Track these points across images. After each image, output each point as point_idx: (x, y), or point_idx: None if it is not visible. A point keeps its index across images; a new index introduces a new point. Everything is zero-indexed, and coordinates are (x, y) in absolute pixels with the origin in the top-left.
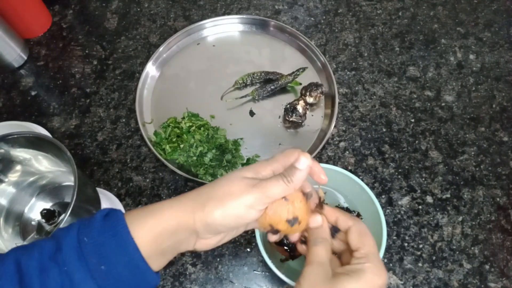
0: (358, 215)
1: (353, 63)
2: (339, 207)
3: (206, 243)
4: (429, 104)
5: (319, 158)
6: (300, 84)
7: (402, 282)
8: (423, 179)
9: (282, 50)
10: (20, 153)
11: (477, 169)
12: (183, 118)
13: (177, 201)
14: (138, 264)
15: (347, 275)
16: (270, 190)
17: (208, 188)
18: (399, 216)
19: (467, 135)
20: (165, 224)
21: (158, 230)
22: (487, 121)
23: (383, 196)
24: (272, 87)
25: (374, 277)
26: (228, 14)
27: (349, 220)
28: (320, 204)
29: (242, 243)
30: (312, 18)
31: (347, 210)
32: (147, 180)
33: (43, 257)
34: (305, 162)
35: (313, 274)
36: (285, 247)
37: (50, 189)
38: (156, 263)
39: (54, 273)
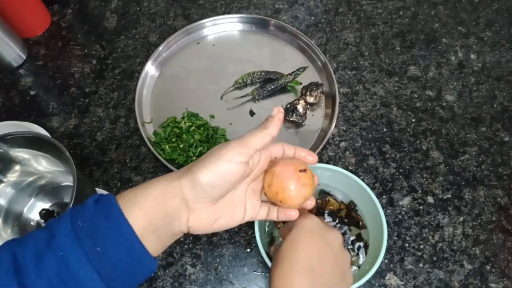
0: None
1: (354, 63)
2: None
3: (200, 220)
4: (430, 104)
5: (319, 158)
6: (301, 83)
7: (403, 283)
8: (424, 179)
9: (282, 49)
10: (19, 153)
11: (478, 169)
12: (183, 118)
13: (164, 175)
14: (134, 245)
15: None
16: (248, 139)
17: (193, 162)
18: (400, 216)
19: (468, 135)
20: (154, 197)
21: (148, 205)
22: (488, 121)
23: (384, 197)
24: (272, 87)
25: (301, 220)
26: (228, 13)
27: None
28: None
29: (242, 244)
30: (312, 17)
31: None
32: (147, 180)
33: (38, 246)
34: (275, 109)
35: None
36: None
37: (49, 189)
38: (151, 245)
39: (50, 259)
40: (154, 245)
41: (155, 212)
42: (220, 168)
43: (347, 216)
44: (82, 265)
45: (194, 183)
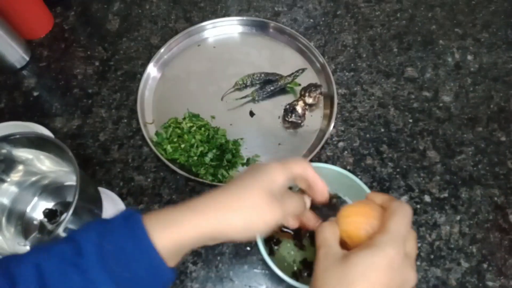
0: None
1: (352, 64)
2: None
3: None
4: (427, 105)
5: (318, 158)
6: (299, 85)
7: None
8: (421, 178)
9: (281, 51)
10: (23, 153)
11: (474, 168)
12: (184, 118)
13: (197, 209)
14: (160, 269)
15: (358, 249)
16: (288, 211)
17: (227, 197)
18: None
19: (465, 135)
20: (186, 235)
21: (180, 240)
22: (484, 121)
23: None
24: (271, 88)
25: (385, 247)
26: (228, 16)
27: (390, 202)
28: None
29: (242, 242)
30: (311, 20)
31: None
32: (149, 180)
33: (63, 261)
34: (309, 202)
35: (324, 256)
36: (289, 231)
37: (52, 189)
38: (174, 263)
39: (75, 278)
40: (175, 262)
41: (185, 247)
42: (257, 228)
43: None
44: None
45: (229, 233)
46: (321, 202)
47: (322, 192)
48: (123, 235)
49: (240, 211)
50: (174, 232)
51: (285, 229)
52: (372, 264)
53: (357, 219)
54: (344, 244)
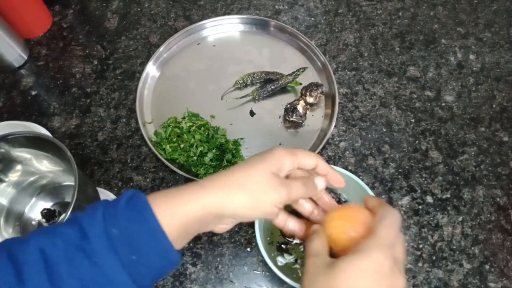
0: None
1: (353, 63)
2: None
3: (223, 228)
4: (429, 104)
5: None
6: (300, 84)
7: None
8: (423, 179)
9: (282, 50)
10: (21, 153)
11: (477, 169)
12: (184, 118)
13: (204, 188)
14: (168, 251)
15: (345, 255)
16: (293, 193)
17: (233, 175)
18: None
19: (467, 135)
20: (193, 213)
21: (187, 219)
22: (487, 121)
23: (383, 196)
24: (272, 87)
25: (372, 251)
26: (229, 14)
27: (382, 208)
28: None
29: (242, 243)
30: (312, 18)
31: None
32: (148, 180)
33: (69, 246)
34: (322, 183)
35: (311, 265)
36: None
37: (51, 189)
38: (180, 244)
39: (83, 263)
40: (182, 243)
41: (192, 226)
42: (264, 209)
43: None
44: (118, 272)
45: (237, 213)
46: (339, 186)
47: (338, 182)
48: (129, 218)
49: (245, 188)
50: (179, 211)
51: (289, 239)
52: (359, 269)
53: (340, 223)
54: (330, 249)
